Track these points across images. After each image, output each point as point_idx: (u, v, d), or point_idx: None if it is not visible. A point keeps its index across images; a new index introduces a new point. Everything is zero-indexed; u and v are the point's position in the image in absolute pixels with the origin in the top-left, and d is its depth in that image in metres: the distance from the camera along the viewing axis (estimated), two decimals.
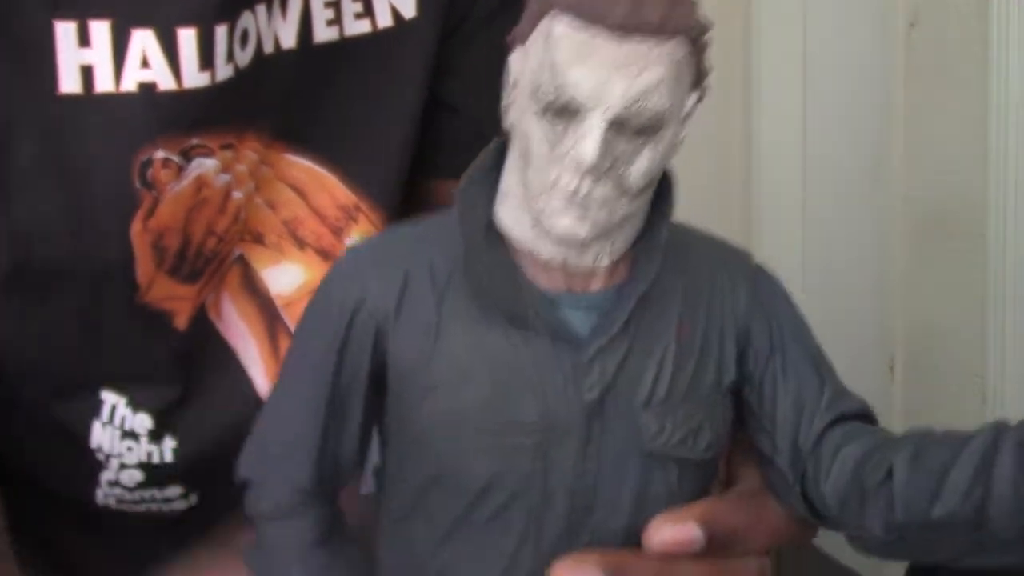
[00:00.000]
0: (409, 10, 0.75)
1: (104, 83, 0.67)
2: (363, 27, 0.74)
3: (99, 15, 0.67)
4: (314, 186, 0.75)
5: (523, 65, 0.48)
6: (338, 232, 0.75)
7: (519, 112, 0.48)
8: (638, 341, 0.49)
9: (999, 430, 0.47)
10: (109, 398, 0.73)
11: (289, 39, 0.72)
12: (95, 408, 0.73)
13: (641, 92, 0.45)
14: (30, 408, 0.74)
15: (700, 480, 0.52)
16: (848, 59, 1.40)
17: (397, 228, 0.53)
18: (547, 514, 0.49)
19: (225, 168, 0.71)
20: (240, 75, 0.70)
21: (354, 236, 0.75)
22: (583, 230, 0.47)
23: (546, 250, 0.49)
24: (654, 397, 0.49)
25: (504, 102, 0.49)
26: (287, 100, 0.72)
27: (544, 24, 0.46)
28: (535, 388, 0.48)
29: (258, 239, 0.74)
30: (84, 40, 0.67)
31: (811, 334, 0.54)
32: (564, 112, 0.45)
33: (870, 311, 1.38)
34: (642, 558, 0.50)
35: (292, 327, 0.74)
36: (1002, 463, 0.46)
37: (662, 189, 0.50)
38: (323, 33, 0.73)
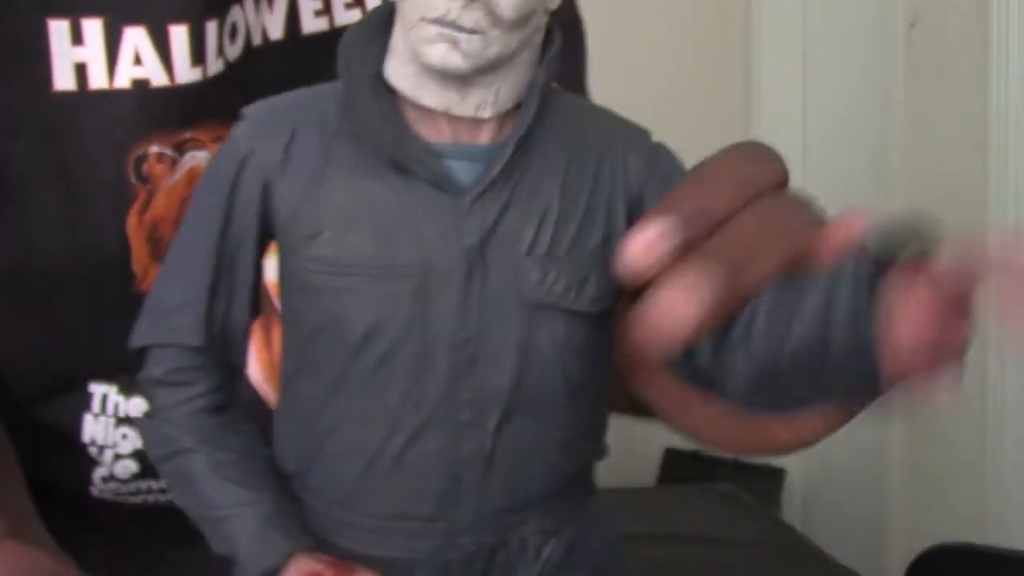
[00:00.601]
0: None
1: (98, 80, 0.68)
2: (354, 16, 0.75)
3: (91, 13, 0.68)
4: None
5: None
6: None
7: None
8: (520, 193, 0.49)
9: (847, 258, 0.48)
10: (98, 389, 0.73)
11: (277, 31, 0.73)
12: (85, 401, 0.73)
13: None
14: (17, 409, 0.74)
15: (591, 336, 0.51)
16: (848, 59, 1.40)
17: (299, 89, 0.54)
18: (429, 365, 0.49)
19: None
20: (230, 68, 0.70)
21: None
22: (455, 60, 0.47)
23: (428, 98, 0.49)
24: (536, 248, 0.49)
25: None
26: (276, 91, 0.73)
27: None
28: (414, 233, 0.48)
29: None
30: (77, 38, 0.68)
31: None
32: None
33: None
34: None
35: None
36: (844, 283, 0.47)
37: (550, 50, 0.51)
38: (311, 24, 0.74)
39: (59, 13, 0.67)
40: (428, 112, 0.49)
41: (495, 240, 0.49)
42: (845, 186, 1.40)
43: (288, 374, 0.52)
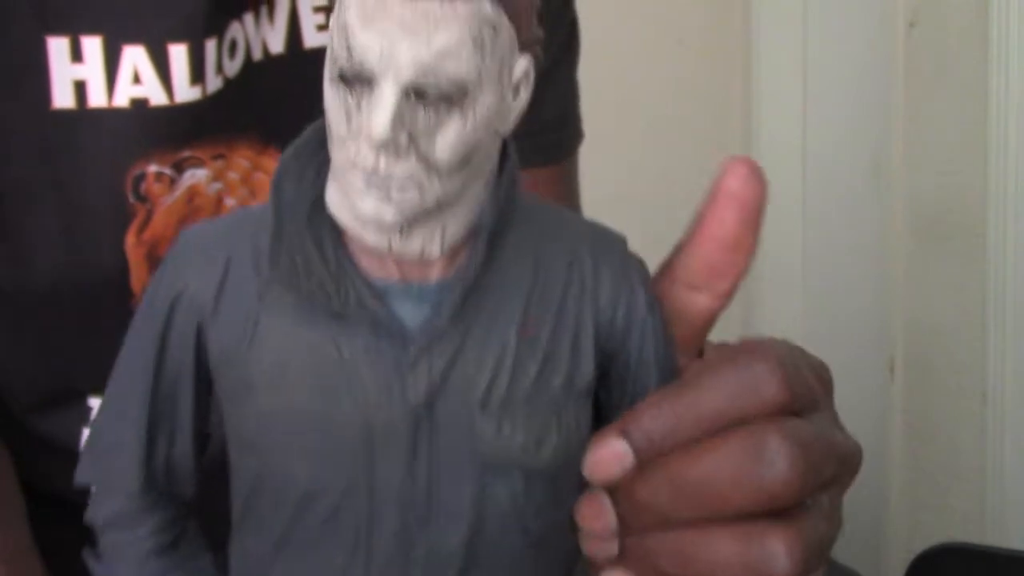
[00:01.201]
0: None
1: (97, 98, 0.68)
2: None
3: (91, 31, 0.67)
4: None
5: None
6: None
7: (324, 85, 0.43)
8: (473, 337, 0.45)
9: None
10: (97, 404, 0.73)
11: (277, 45, 0.72)
12: (84, 415, 0.73)
13: (435, 56, 0.41)
14: (15, 423, 0.73)
15: (552, 490, 0.46)
16: (848, 59, 1.40)
17: (238, 210, 0.51)
18: (377, 526, 0.44)
19: (217, 177, 0.71)
20: (229, 85, 0.70)
21: None
22: (388, 213, 0.42)
23: (370, 236, 0.43)
24: (491, 399, 0.44)
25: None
26: (277, 105, 0.72)
27: None
28: (354, 388, 0.44)
29: None
30: (77, 56, 0.67)
31: (671, 349, 0.48)
32: (358, 80, 0.41)
33: (870, 311, 1.38)
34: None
35: None
36: None
37: (505, 170, 0.45)
38: (314, 38, 0.73)
39: (58, 31, 0.67)
40: (369, 247, 0.44)
41: (445, 393, 0.44)
42: (845, 186, 1.40)
43: (235, 523, 0.48)
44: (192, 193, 0.70)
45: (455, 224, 0.44)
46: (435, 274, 0.45)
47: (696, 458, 0.45)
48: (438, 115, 0.41)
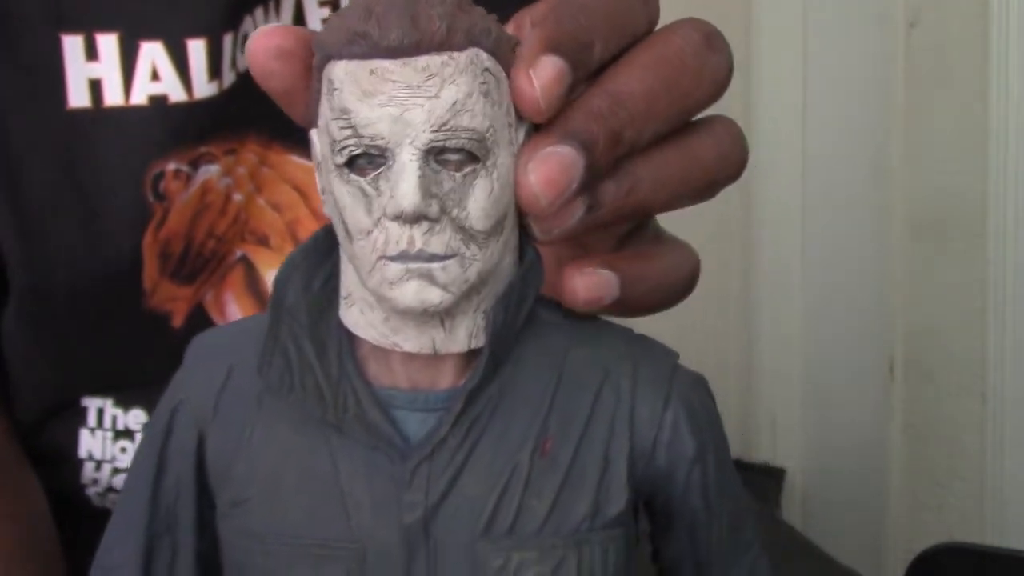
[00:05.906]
0: None
1: (113, 96, 0.67)
2: None
3: (106, 28, 0.67)
4: (314, 187, 0.75)
5: (319, 139, 0.41)
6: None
7: (328, 186, 0.40)
8: (479, 453, 0.40)
9: None
10: (92, 403, 0.72)
11: None
12: (79, 416, 0.72)
13: (448, 110, 0.38)
14: (15, 427, 0.73)
15: None
16: (848, 59, 1.40)
17: (252, 316, 0.47)
18: None
19: (227, 172, 0.71)
20: (242, 79, 0.70)
21: None
22: (433, 295, 0.39)
23: (410, 342, 0.40)
24: (495, 524, 0.40)
25: (319, 188, 0.41)
26: None
27: (324, 81, 0.40)
28: (349, 504, 0.40)
29: (263, 241, 0.74)
30: (92, 54, 0.67)
31: (734, 477, 0.44)
32: (369, 162, 0.38)
33: (870, 311, 1.38)
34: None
35: None
36: None
37: (524, 261, 0.42)
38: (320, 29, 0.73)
39: (73, 28, 0.67)
40: (381, 350, 0.41)
41: (443, 515, 0.40)
42: (845, 186, 1.40)
43: None
44: (205, 188, 0.70)
45: (493, 304, 0.41)
46: (446, 380, 0.41)
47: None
48: (463, 177, 0.39)
